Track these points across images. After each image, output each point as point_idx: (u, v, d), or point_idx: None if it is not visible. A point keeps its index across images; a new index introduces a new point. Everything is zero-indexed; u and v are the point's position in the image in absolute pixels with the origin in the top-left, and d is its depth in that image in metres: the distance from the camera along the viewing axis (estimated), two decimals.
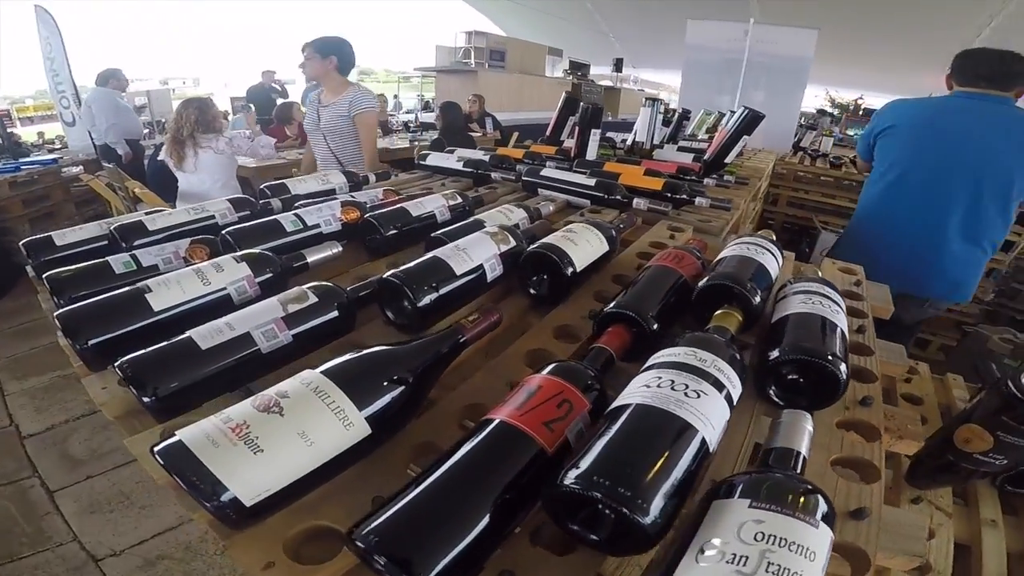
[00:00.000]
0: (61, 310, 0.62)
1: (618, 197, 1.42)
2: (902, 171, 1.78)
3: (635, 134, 2.34)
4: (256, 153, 3.37)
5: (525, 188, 1.55)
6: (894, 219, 1.80)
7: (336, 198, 1.16)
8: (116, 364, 0.54)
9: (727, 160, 1.94)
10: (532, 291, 0.85)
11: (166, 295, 0.65)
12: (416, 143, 5.09)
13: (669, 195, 1.46)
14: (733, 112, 2.04)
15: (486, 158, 1.75)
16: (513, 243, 0.83)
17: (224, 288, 0.70)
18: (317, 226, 0.96)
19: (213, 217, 1.03)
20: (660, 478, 0.40)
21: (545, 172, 1.52)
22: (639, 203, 1.42)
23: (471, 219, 1.00)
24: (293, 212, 0.95)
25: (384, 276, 0.69)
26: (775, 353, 0.65)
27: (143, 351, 0.55)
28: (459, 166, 1.70)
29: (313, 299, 0.65)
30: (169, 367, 0.54)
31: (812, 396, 0.64)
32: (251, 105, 6.02)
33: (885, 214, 1.82)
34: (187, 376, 0.55)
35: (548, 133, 2.21)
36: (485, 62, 8.87)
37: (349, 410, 0.45)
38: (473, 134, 5.24)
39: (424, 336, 0.59)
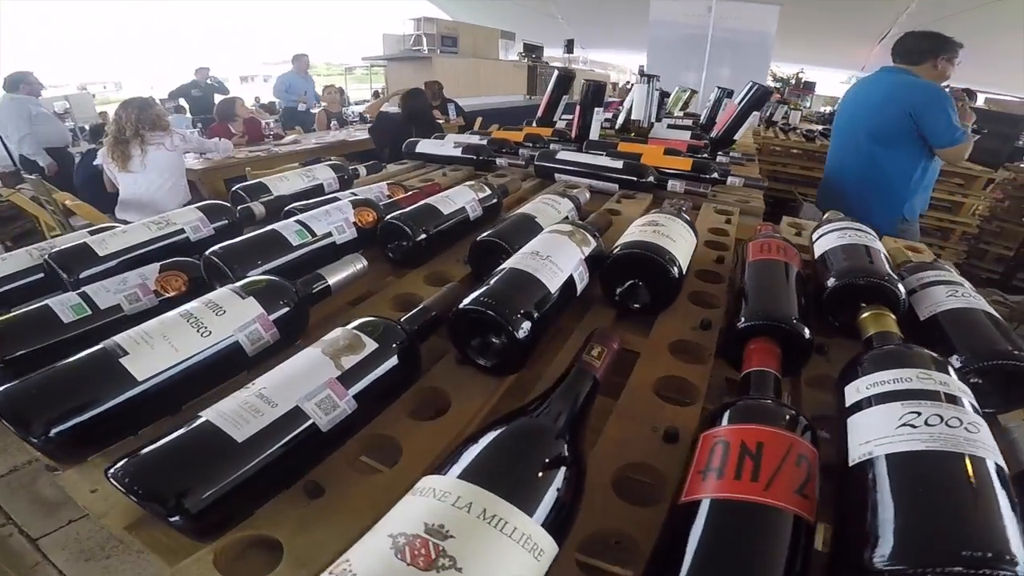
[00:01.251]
0: None
1: (651, 180, 1.27)
2: (836, 134, 2.31)
3: (629, 112, 2.20)
4: (215, 149, 3.08)
5: (539, 174, 1.38)
6: (835, 173, 2.27)
7: (335, 197, 0.95)
8: (110, 474, 0.34)
9: (735, 137, 1.83)
10: (627, 302, 0.68)
11: (150, 358, 0.44)
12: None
13: (700, 175, 1.32)
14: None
15: (484, 142, 1.56)
16: (594, 244, 0.66)
17: (231, 336, 0.49)
18: (329, 235, 0.75)
19: (182, 231, 0.81)
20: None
21: (562, 155, 1.35)
22: (675, 185, 1.28)
23: (518, 214, 0.81)
24: (296, 220, 0.74)
25: (464, 305, 0.50)
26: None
27: (147, 450, 0.35)
28: (456, 152, 1.50)
29: (372, 345, 0.46)
30: (194, 471, 0.35)
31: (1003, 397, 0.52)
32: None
33: (832, 171, 2.31)
34: (222, 480, 0.35)
35: (540, 114, 2.03)
36: (437, 48, 8.51)
37: (531, 530, 0.28)
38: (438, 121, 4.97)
39: (553, 390, 0.41)
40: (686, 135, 2.06)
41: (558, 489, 0.32)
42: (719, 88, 2.45)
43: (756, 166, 1.89)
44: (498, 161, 1.45)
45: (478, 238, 0.74)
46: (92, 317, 0.56)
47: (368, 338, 0.46)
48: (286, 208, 0.90)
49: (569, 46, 11.05)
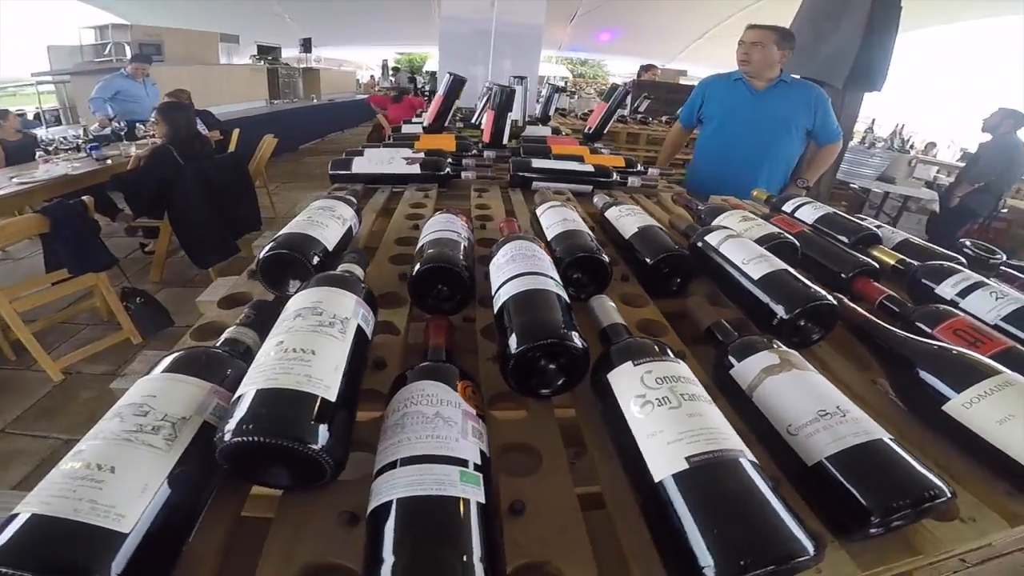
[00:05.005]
0: None
1: (616, 178, 1.41)
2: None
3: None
4: None
5: (514, 184, 1.37)
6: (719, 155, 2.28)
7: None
8: None
9: (604, 131, 2.12)
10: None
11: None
12: (110, 160, 3.64)
13: (633, 170, 1.53)
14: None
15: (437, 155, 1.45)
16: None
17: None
18: None
19: None
20: None
21: (537, 164, 1.38)
22: (634, 181, 1.46)
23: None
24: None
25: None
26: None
27: None
28: (412, 169, 1.36)
29: None
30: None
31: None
32: None
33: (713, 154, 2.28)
34: None
35: (430, 121, 1.95)
36: (131, 56, 6.82)
37: None
38: None
39: None
40: (548, 132, 2.29)
41: None
42: (514, 78, 2.68)
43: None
44: (464, 175, 1.38)
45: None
46: None
47: None
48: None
49: (307, 45, 10.29)
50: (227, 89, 7.84)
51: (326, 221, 0.80)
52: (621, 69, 13.77)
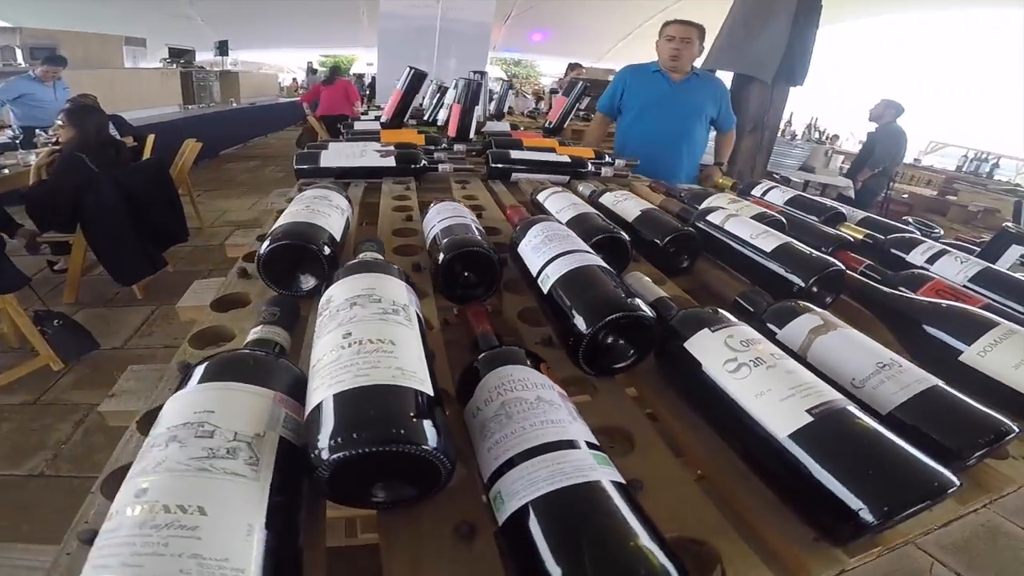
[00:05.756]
0: None
1: (591, 168, 1.43)
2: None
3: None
4: None
5: (492, 175, 1.35)
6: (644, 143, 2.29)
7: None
8: None
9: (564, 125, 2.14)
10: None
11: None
12: (7, 171, 3.20)
13: (604, 161, 1.56)
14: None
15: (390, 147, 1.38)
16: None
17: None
18: None
19: None
20: None
21: (516, 155, 1.36)
22: (607, 171, 1.47)
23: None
24: None
25: None
26: None
27: None
28: (387, 162, 1.29)
29: None
30: None
31: None
32: None
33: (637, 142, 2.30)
34: None
35: (389, 117, 1.88)
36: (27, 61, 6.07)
37: None
38: None
39: None
40: (506, 126, 2.28)
41: None
42: (474, 73, 2.66)
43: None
44: (441, 168, 1.34)
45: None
46: None
47: None
48: None
49: (223, 47, 9.61)
50: (136, 94, 7.17)
51: (327, 210, 0.74)
52: (552, 69, 14.05)
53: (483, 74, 2.18)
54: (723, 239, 0.85)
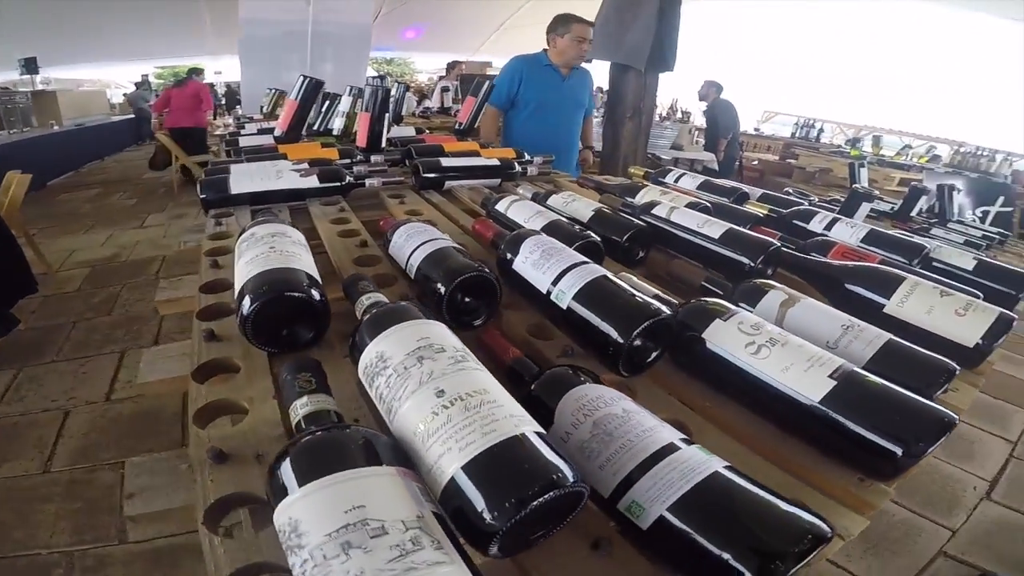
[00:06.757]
0: None
1: (520, 170, 1.46)
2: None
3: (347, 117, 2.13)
4: None
5: (424, 185, 1.32)
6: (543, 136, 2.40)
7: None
8: None
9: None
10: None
11: None
12: None
13: (528, 160, 1.60)
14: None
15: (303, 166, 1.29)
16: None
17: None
18: None
19: None
20: None
21: (446, 163, 1.34)
22: (532, 170, 1.52)
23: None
24: None
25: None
26: None
27: None
28: (310, 182, 1.20)
29: None
30: None
31: None
32: None
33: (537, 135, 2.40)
34: None
35: (285, 130, 1.74)
36: None
37: None
38: None
39: None
40: (411, 131, 2.24)
41: None
42: (373, 78, 2.55)
43: None
44: (368, 183, 1.27)
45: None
46: None
47: None
48: None
49: (30, 66, 8.02)
50: None
51: (294, 250, 0.68)
52: (428, 65, 13.81)
53: (383, 77, 2.10)
54: (672, 230, 0.94)
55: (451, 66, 6.32)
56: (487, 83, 1.95)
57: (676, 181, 1.43)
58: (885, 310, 0.72)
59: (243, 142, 1.91)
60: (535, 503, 0.30)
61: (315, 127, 2.30)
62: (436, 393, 0.36)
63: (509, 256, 0.69)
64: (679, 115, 5.71)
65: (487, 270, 0.64)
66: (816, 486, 0.43)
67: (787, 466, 0.45)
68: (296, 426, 0.39)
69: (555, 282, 0.60)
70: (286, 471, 0.32)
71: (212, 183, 1.16)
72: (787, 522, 0.33)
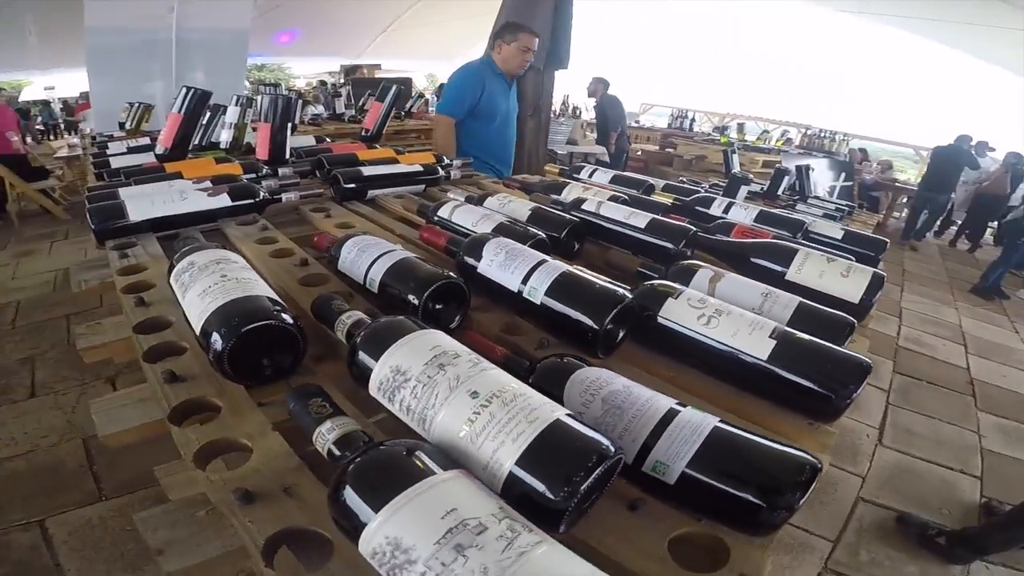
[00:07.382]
0: None
1: (444, 174, 1.48)
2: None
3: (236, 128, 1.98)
4: None
5: (346, 196, 1.28)
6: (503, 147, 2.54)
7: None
8: None
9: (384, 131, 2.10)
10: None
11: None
12: None
13: (450, 164, 1.62)
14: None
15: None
16: None
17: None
18: None
19: None
20: None
21: (368, 172, 1.32)
22: (455, 174, 1.54)
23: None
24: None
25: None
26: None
27: None
28: (221, 201, 1.11)
29: None
30: None
31: None
32: None
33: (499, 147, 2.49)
34: None
35: (170, 146, 1.57)
36: None
37: None
38: None
39: None
40: (309, 140, 2.13)
41: None
42: (266, 86, 2.39)
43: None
44: (284, 197, 1.21)
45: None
46: None
47: None
48: None
49: None
50: None
51: (247, 275, 0.65)
52: (306, 70, 12.98)
53: (277, 85, 1.97)
54: (602, 223, 1.02)
55: (348, 71, 6.05)
56: (393, 88, 1.92)
57: (590, 177, 1.54)
58: (787, 277, 0.87)
59: (115, 163, 1.70)
60: (593, 476, 0.34)
61: (197, 141, 2.10)
62: (470, 395, 0.38)
63: (471, 261, 0.72)
64: (571, 111, 6.02)
65: (455, 276, 0.66)
66: (777, 432, 0.52)
67: (749, 418, 0.54)
68: (328, 452, 0.39)
69: (525, 280, 0.64)
70: (356, 497, 0.33)
71: (103, 210, 1.03)
72: (788, 460, 0.40)
